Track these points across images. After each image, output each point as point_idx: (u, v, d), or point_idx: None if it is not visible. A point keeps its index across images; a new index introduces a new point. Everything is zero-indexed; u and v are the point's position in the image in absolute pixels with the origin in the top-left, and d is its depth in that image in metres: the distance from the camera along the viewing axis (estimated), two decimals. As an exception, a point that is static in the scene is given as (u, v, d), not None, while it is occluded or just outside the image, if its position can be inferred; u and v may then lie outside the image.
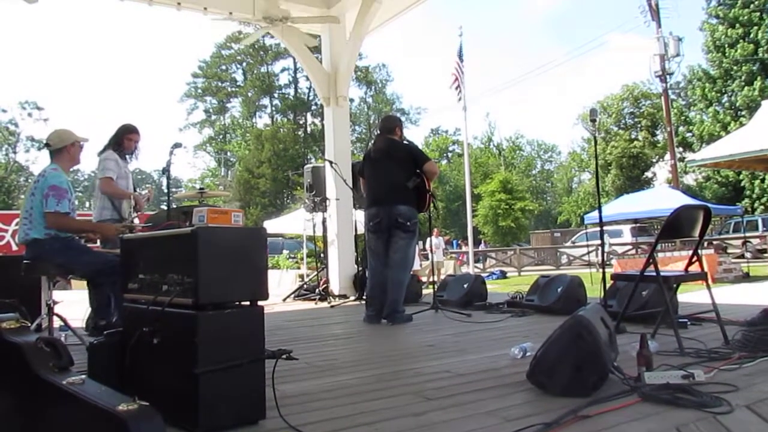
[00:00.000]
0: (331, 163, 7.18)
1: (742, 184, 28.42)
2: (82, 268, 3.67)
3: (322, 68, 8.06)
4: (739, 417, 1.98)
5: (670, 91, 23.90)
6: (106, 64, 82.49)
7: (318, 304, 6.88)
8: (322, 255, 8.62)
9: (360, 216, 6.47)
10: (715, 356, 2.83)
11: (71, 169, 3.97)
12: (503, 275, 17.57)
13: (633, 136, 35.52)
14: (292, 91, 46.27)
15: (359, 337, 4.44)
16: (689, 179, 32.30)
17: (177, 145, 3.85)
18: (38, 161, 36.38)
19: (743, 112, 26.51)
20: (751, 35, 27.16)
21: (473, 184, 23.41)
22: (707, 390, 2.20)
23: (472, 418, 2.09)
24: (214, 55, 45.46)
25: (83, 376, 1.63)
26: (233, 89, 46.86)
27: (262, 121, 47.19)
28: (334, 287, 7.56)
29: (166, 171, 3.74)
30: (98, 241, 4.27)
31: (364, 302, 5.55)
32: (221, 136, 48.56)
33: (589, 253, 18.20)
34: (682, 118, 31.80)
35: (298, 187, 29.74)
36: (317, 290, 7.43)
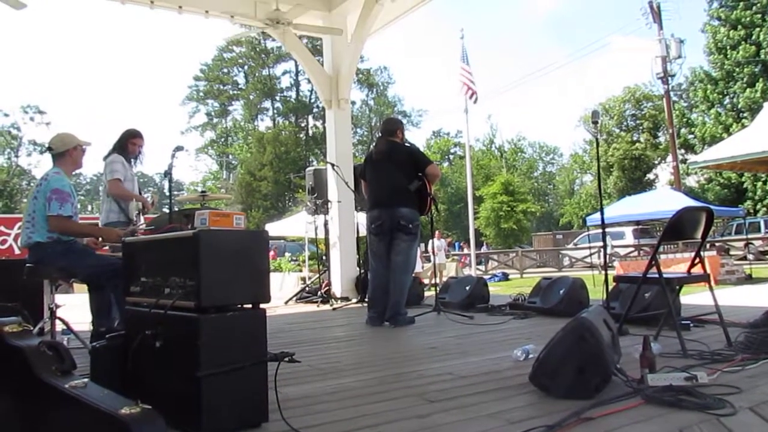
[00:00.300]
0: (332, 165, 7.17)
1: (744, 186, 28.37)
2: (84, 272, 3.66)
3: (324, 71, 8.08)
4: (742, 419, 1.97)
5: (671, 93, 23.91)
6: (108, 67, 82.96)
7: (320, 307, 6.88)
8: (324, 257, 8.63)
9: (362, 218, 6.47)
10: (718, 358, 2.82)
11: (73, 173, 3.98)
12: (505, 277, 17.57)
13: (635, 138, 35.48)
14: (293, 94, 46.43)
15: (361, 340, 4.44)
16: (691, 181, 32.28)
17: (179, 148, 3.84)
18: (40, 165, 36.48)
19: (745, 114, 26.49)
20: (753, 37, 27.13)
21: (475, 187, 23.43)
22: (710, 392, 2.19)
23: (474, 420, 2.09)
24: (215, 58, 45.70)
25: (86, 380, 1.64)
26: (235, 92, 47.01)
27: (263, 123, 47.42)
28: (336, 290, 7.56)
29: (168, 174, 3.73)
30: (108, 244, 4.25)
31: (366, 305, 5.54)
32: (223, 139, 48.71)
33: (591, 255, 18.22)
34: (684, 119, 31.80)
35: (300, 190, 29.85)
36: (319, 293, 7.43)
